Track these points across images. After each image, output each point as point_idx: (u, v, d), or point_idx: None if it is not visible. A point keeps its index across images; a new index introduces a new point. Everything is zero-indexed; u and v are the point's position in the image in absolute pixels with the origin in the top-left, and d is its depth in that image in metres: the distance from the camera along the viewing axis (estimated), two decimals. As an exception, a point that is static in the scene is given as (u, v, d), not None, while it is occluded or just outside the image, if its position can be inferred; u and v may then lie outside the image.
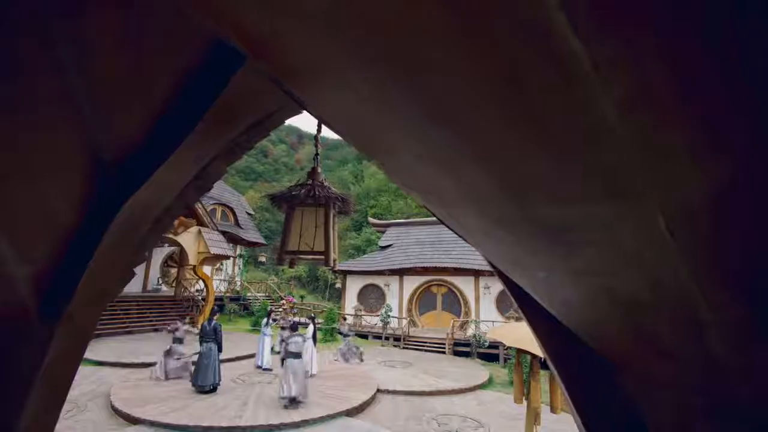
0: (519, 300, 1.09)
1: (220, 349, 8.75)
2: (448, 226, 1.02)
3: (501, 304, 17.08)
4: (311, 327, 10.82)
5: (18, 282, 1.28)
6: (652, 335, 0.74)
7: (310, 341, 10.55)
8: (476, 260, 17.56)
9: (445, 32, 0.39)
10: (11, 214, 1.14)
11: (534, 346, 3.99)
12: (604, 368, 0.95)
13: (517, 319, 15.26)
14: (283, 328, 10.37)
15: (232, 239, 21.79)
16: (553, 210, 0.54)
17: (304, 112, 1.92)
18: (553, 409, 4.35)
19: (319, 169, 2.05)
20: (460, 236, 1.02)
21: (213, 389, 8.46)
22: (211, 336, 8.66)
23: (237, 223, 23.40)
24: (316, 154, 2.08)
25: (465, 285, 18.04)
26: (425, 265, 18.51)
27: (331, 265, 1.94)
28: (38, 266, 1.31)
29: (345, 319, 17.29)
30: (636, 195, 0.45)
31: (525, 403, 4.52)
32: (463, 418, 8.10)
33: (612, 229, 0.53)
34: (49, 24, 0.91)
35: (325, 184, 2.03)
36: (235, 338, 14.96)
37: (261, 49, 0.67)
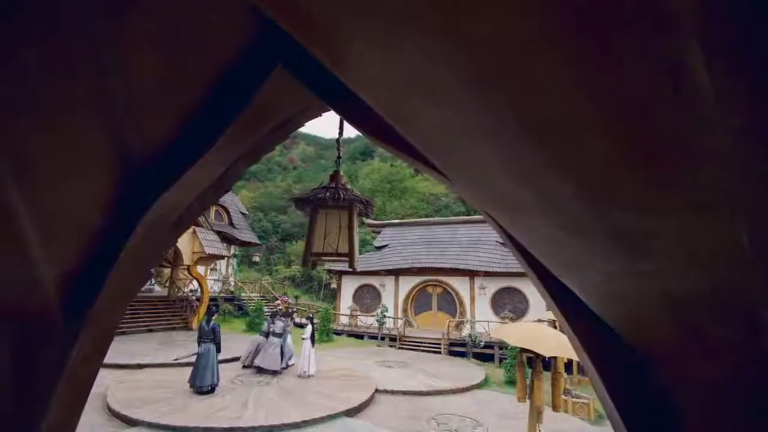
0: (556, 298, 1.13)
1: (218, 350, 8.79)
2: (502, 229, 1.06)
3: (496, 305, 17.22)
4: (309, 327, 10.81)
5: (46, 282, 1.29)
6: (703, 333, 0.79)
7: (308, 341, 10.56)
8: (471, 261, 17.69)
9: (566, 48, 0.43)
10: (44, 214, 1.16)
11: (538, 346, 4.08)
12: (642, 365, 1.00)
13: (513, 320, 15.42)
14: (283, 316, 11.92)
15: (226, 239, 21.65)
16: (636, 220, 0.59)
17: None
18: (554, 408, 4.44)
19: (342, 172, 2.09)
20: (509, 237, 1.07)
21: (211, 390, 8.46)
22: (210, 336, 8.71)
23: (231, 223, 23.25)
24: (338, 158, 2.12)
25: (460, 285, 18.14)
26: (421, 265, 18.59)
27: (355, 266, 1.98)
28: (65, 267, 1.33)
29: (286, 315, 12.89)
30: (726, 211, 0.50)
31: (528, 402, 4.60)
32: (462, 417, 8.17)
33: (691, 238, 0.58)
34: (93, 25, 0.93)
35: (348, 186, 2.06)
36: (231, 339, 14.89)
37: (342, 60, 0.70)
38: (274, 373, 10.23)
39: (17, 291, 1.30)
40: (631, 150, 0.49)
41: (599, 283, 0.84)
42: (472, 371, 12.37)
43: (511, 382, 11.38)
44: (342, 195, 2.03)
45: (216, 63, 1.30)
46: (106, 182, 1.30)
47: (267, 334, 10.80)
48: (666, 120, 0.43)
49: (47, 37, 0.88)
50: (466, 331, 16.04)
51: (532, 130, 0.53)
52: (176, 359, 10.23)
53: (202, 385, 8.31)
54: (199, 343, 8.69)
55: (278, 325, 10.92)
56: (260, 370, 10.29)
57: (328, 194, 2.03)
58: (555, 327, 6.48)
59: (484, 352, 14.79)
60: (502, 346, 13.85)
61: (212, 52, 1.27)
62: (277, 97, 1.51)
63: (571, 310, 1.10)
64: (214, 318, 9.23)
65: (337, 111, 1.51)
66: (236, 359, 11.55)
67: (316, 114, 1.89)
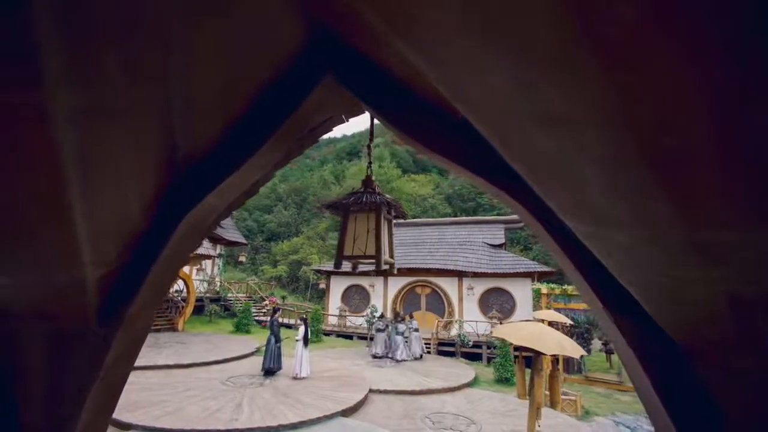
0: (600, 295, 1.20)
1: (277, 340, 10.86)
2: (545, 229, 1.12)
3: (484, 305, 17.45)
4: (302, 328, 10.77)
5: (86, 285, 1.30)
6: (758, 330, 0.87)
7: (301, 343, 10.52)
8: (460, 261, 17.89)
9: (716, 101, 0.49)
10: (96, 218, 1.17)
11: (539, 345, 4.19)
12: (690, 361, 1.07)
13: (500, 320, 15.64)
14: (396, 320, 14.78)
15: (213, 238, 21.29)
16: (727, 235, 0.65)
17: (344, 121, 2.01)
18: (553, 405, 4.56)
19: (373, 177, 2.13)
20: (552, 237, 1.12)
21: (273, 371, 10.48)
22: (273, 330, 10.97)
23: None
24: (369, 163, 2.16)
25: (448, 286, 18.31)
26: (410, 266, 18.68)
27: (382, 267, 2.02)
28: (107, 269, 1.34)
29: (411, 316, 16.24)
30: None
31: (527, 399, 4.72)
32: (455, 416, 8.28)
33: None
34: (166, 32, 0.95)
35: (377, 190, 2.10)
36: (218, 340, 14.69)
37: (473, 93, 0.74)
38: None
39: (58, 293, 1.30)
40: (744, 177, 0.55)
41: (662, 284, 0.91)
42: (462, 370, 12.51)
43: (500, 381, 11.58)
44: (367, 198, 2.08)
45: (269, 70, 1.33)
46: (153, 185, 1.31)
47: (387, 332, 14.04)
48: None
49: (125, 42, 0.90)
50: (454, 331, 16.20)
51: (650, 159, 0.58)
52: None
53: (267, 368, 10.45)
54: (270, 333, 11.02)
55: (399, 327, 14.16)
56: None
57: (352, 198, 2.07)
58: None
59: (473, 352, 14.98)
60: (490, 345, 14.07)
61: (266, 59, 1.29)
62: (318, 104, 1.54)
63: (615, 306, 1.17)
64: (277, 315, 11.86)
65: (385, 120, 1.54)
66: (226, 360, 11.49)
67: (344, 119, 1.93)
